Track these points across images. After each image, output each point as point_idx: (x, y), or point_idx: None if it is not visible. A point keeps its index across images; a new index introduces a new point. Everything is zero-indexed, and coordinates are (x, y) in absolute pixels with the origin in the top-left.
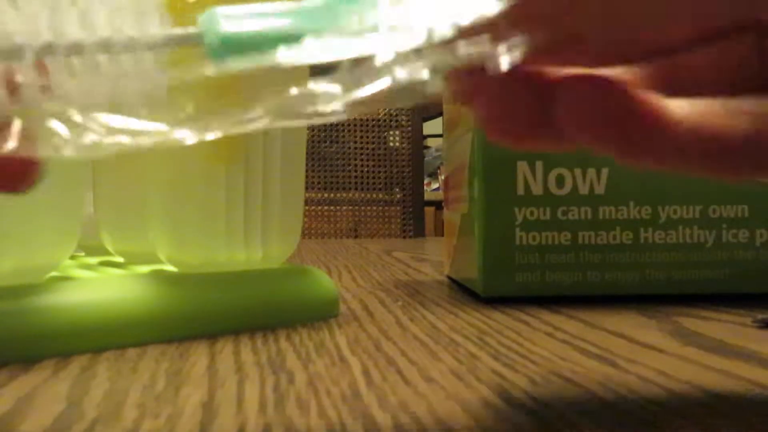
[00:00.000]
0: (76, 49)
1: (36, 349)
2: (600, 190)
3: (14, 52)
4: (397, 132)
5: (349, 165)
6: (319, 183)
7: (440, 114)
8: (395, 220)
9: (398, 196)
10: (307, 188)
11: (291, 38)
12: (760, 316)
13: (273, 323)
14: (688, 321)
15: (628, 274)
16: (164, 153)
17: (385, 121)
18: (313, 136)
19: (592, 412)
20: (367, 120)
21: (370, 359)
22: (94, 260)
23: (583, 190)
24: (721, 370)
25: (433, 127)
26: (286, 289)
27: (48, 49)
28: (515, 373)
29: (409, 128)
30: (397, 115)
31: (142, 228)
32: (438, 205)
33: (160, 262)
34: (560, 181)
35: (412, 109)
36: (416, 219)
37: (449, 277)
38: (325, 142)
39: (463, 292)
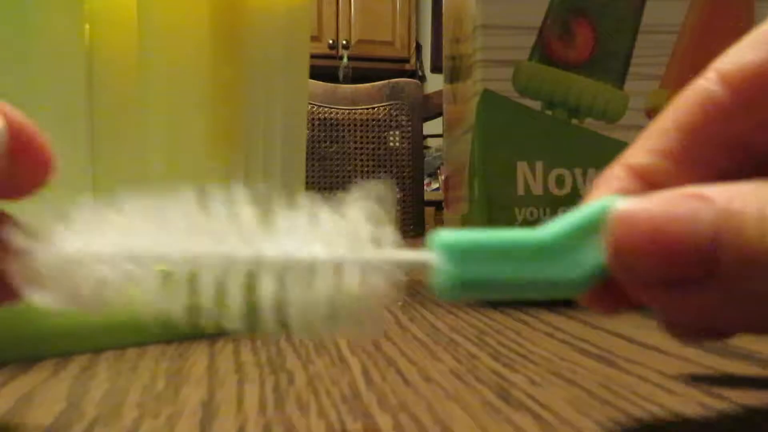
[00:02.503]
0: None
1: (36, 349)
2: None
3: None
4: (397, 132)
5: (349, 165)
6: (319, 183)
7: (440, 114)
8: (395, 220)
9: (398, 196)
10: (307, 188)
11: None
12: None
13: None
14: None
15: None
16: (165, 153)
17: (385, 121)
18: (313, 136)
19: (592, 412)
20: (367, 120)
21: (370, 359)
22: None
23: (583, 190)
24: (721, 370)
25: (433, 127)
26: None
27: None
28: (515, 373)
29: (409, 128)
30: (397, 115)
31: None
32: (438, 205)
33: None
34: (560, 181)
35: (412, 109)
36: (416, 219)
37: None
38: (325, 142)
39: None
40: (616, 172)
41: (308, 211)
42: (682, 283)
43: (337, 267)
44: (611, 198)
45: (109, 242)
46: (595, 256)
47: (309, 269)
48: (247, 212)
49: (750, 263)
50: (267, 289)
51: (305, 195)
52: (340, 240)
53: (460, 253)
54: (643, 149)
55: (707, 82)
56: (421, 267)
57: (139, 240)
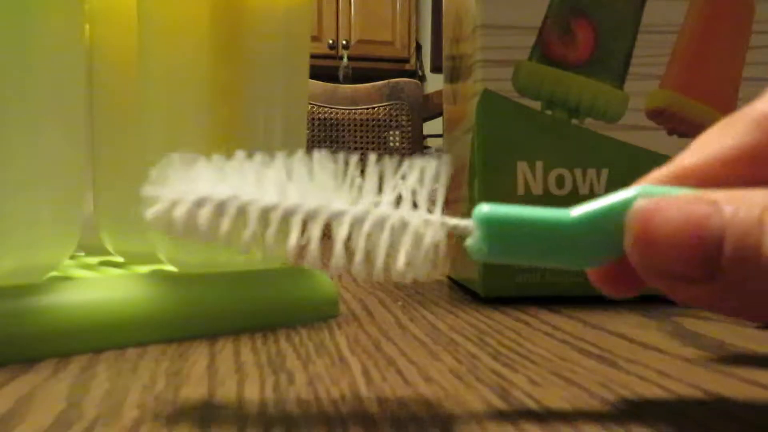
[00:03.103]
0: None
1: (36, 349)
2: (600, 190)
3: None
4: (397, 132)
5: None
6: None
7: (440, 114)
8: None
9: None
10: None
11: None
12: None
13: (273, 323)
14: (688, 321)
15: None
16: (165, 153)
17: (385, 121)
18: (313, 136)
19: (592, 412)
20: (367, 120)
21: (370, 359)
22: (94, 260)
23: (583, 190)
24: (721, 370)
25: (433, 127)
26: (286, 289)
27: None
28: (515, 373)
29: (409, 128)
30: (397, 115)
31: (142, 228)
32: None
33: (160, 262)
34: (560, 181)
35: (412, 109)
36: None
37: (449, 277)
38: (325, 142)
39: (463, 292)
40: (658, 173)
41: (377, 173)
42: (688, 278)
43: (402, 222)
44: (639, 189)
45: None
46: (615, 241)
47: (379, 223)
48: (324, 172)
49: (748, 267)
50: (343, 234)
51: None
52: (403, 200)
53: (496, 224)
54: (695, 153)
55: (763, 105)
56: (463, 230)
57: (249, 190)
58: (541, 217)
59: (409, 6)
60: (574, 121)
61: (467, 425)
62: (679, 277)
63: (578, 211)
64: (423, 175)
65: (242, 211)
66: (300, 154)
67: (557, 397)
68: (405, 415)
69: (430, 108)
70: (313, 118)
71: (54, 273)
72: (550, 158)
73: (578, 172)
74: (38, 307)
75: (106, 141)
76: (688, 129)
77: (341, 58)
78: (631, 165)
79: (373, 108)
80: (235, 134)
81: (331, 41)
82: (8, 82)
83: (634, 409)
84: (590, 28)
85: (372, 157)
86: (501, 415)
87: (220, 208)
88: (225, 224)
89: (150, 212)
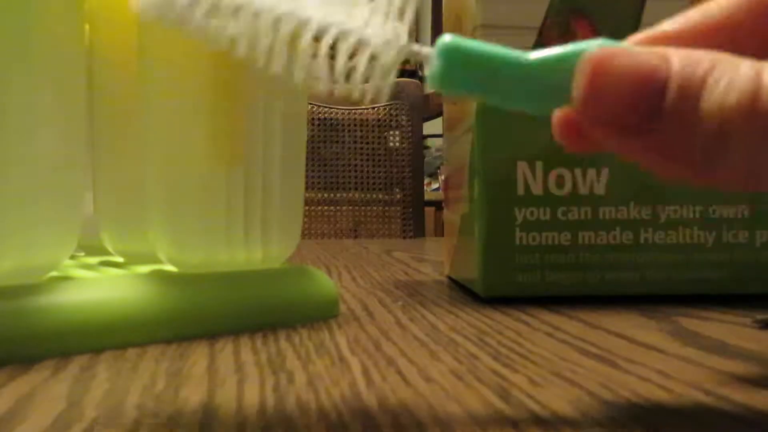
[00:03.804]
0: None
1: (36, 349)
2: (600, 190)
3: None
4: (397, 132)
5: (349, 165)
6: (319, 183)
7: (440, 114)
8: (395, 220)
9: (398, 196)
10: (307, 188)
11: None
12: (759, 316)
13: (273, 323)
14: (688, 321)
15: (628, 275)
16: (165, 153)
17: (385, 121)
18: (313, 136)
19: (592, 412)
20: (367, 120)
21: (370, 359)
22: (94, 260)
23: (583, 190)
24: (721, 370)
25: (433, 127)
26: (286, 289)
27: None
28: (515, 373)
29: (409, 128)
30: (397, 115)
31: (142, 228)
32: (438, 205)
33: (160, 262)
34: (560, 182)
35: (412, 109)
36: (416, 219)
37: (449, 277)
38: (325, 142)
39: (463, 292)
40: (637, 36)
41: None
42: (629, 126)
43: (363, 41)
44: (600, 41)
45: None
46: (568, 86)
47: (339, 38)
48: None
49: (686, 118)
50: (305, 43)
51: None
52: (372, 17)
53: (455, 56)
54: (680, 20)
55: None
56: (423, 57)
57: None
58: (501, 55)
59: None
60: None
61: (467, 425)
62: (621, 125)
63: (538, 54)
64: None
65: (216, 5)
66: None
67: (557, 397)
68: (405, 415)
69: (430, 108)
70: (313, 118)
71: (54, 273)
72: (550, 158)
73: (578, 172)
74: (38, 307)
75: (106, 141)
76: None
77: None
78: (631, 165)
79: (373, 108)
80: (235, 134)
81: None
82: (8, 83)
83: (634, 409)
84: (590, 28)
85: None
86: (501, 415)
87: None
88: (198, 14)
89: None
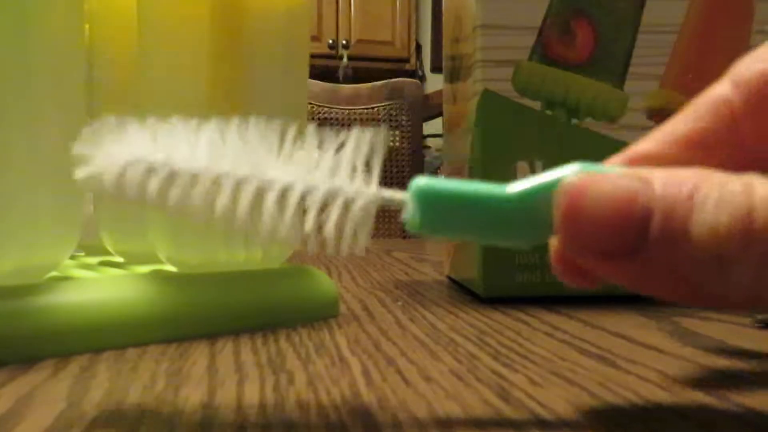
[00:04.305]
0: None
1: (36, 349)
2: None
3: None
4: (397, 132)
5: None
6: None
7: (440, 114)
8: (395, 220)
9: None
10: None
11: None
12: (760, 316)
13: (273, 323)
14: (688, 321)
15: None
16: None
17: (385, 121)
18: None
19: (592, 412)
20: (367, 120)
21: (370, 359)
22: (94, 260)
23: None
24: (721, 370)
25: (433, 127)
26: (286, 289)
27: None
28: (515, 373)
29: (409, 128)
30: (397, 115)
31: (142, 228)
32: None
33: (160, 262)
34: None
35: (412, 109)
36: None
37: (449, 277)
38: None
39: (463, 292)
40: (613, 159)
41: (313, 144)
42: (614, 255)
43: (331, 194)
44: (575, 167)
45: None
46: (549, 218)
47: (306, 194)
48: (259, 142)
49: (674, 244)
50: (268, 204)
51: (312, 130)
52: (338, 171)
53: (430, 199)
54: (652, 139)
55: (721, 87)
56: (399, 204)
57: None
58: (476, 193)
59: (409, 6)
60: (574, 121)
61: (467, 425)
62: (605, 253)
63: (514, 187)
64: (359, 145)
65: (172, 176)
66: (236, 120)
67: (557, 397)
68: (405, 415)
69: (430, 108)
70: (313, 118)
71: (54, 273)
72: (550, 158)
73: None
74: (38, 307)
75: None
76: None
77: (341, 57)
78: None
79: (373, 108)
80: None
81: (330, 41)
82: (8, 83)
83: (634, 409)
84: (590, 28)
85: (310, 127)
86: (501, 415)
87: (150, 171)
88: (154, 187)
89: (81, 172)
